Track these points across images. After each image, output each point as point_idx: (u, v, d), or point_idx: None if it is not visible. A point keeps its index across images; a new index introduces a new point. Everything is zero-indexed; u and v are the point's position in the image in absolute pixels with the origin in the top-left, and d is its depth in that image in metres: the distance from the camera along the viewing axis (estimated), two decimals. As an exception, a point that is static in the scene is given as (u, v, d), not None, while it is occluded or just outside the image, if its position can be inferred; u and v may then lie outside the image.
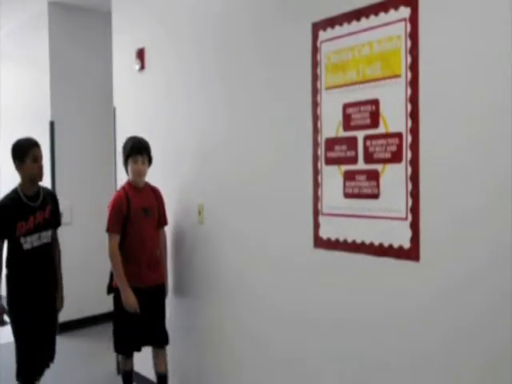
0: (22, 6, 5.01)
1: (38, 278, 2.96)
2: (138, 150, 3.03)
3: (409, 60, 1.98)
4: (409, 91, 1.98)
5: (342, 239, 2.26)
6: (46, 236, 2.99)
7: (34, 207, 2.93)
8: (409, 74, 1.98)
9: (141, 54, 3.61)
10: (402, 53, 2.00)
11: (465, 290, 1.84)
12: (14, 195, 2.90)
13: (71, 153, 5.06)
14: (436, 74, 1.90)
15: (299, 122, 2.43)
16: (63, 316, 4.93)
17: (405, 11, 1.99)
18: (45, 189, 3.10)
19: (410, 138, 1.98)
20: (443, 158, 1.88)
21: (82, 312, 5.06)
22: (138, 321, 3.00)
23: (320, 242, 2.36)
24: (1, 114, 6.15)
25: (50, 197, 3.10)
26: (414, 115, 1.97)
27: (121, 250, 2.99)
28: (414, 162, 1.97)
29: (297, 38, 2.44)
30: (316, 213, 2.37)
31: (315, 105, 2.36)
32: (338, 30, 2.25)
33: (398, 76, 2.02)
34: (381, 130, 2.09)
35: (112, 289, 3.10)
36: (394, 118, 2.04)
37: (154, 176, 3.26)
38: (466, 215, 1.83)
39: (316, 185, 2.37)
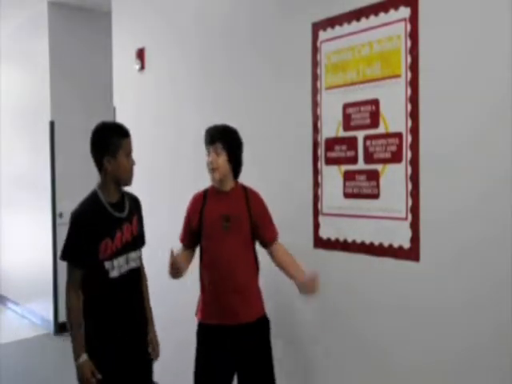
0: (22, 6, 5.00)
1: (128, 319, 2.15)
2: (207, 139, 2.25)
3: (409, 60, 1.98)
4: (409, 91, 1.98)
5: (341, 239, 2.26)
6: (134, 258, 2.16)
7: (121, 219, 2.11)
8: (409, 74, 1.98)
9: (141, 54, 3.60)
10: (402, 53, 2.00)
11: (465, 289, 1.84)
12: (94, 202, 2.08)
13: (71, 153, 5.06)
14: (436, 74, 1.90)
15: (299, 122, 2.43)
16: (63, 316, 4.94)
17: (405, 11, 1.99)
18: (127, 193, 2.24)
19: (410, 138, 1.98)
20: (443, 158, 1.88)
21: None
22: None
23: (320, 242, 2.36)
24: (1, 113, 6.16)
25: (135, 203, 2.26)
26: (414, 115, 1.97)
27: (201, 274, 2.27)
28: (414, 162, 1.97)
29: (297, 37, 2.44)
30: (316, 213, 2.37)
31: (315, 105, 2.36)
32: (338, 29, 2.25)
33: (398, 76, 2.02)
34: (381, 129, 2.09)
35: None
36: (393, 118, 2.04)
37: (158, 176, 3.26)
38: (465, 215, 1.83)
39: (316, 185, 2.37)
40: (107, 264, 2.04)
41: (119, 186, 2.14)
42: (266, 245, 2.27)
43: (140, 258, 2.24)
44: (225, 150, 2.20)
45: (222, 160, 2.19)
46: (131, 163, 2.11)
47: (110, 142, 2.05)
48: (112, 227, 2.07)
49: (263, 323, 2.23)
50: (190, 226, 2.29)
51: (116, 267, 2.06)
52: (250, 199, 2.24)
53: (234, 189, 2.25)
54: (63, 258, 2.03)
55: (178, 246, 2.35)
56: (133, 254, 2.15)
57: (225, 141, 2.21)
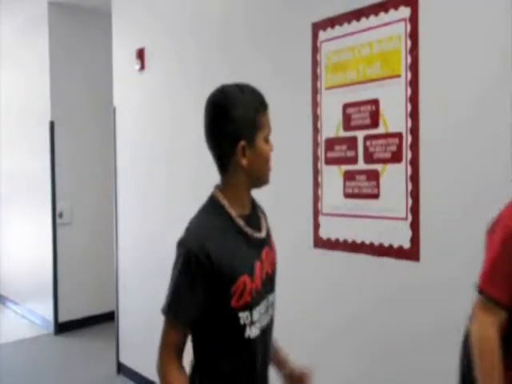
0: (22, 6, 5.00)
1: None
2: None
3: (409, 60, 1.98)
4: (409, 91, 1.98)
5: (341, 239, 2.26)
6: (273, 302, 1.42)
7: (262, 241, 1.37)
8: (409, 74, 1.98)
9: (141, 54, 3.60)
10: (402, 53, 2.00)
11: (464, 289, 1.84)
12: (220, 218, 1.31)
13: (71, 153, 5.06)
14: (436, 74, 1.90)
15: (299, 122, 2.43)
16: (63, 316, 4.95)
17: (405, 11, 1.99)
18: (254, 200, 1.49)
19: (410, 138, 1.98)
20: (443, 158, 1.88)
21: (82, 312, 5.06)
22: None
23: (320, 242, 2.36)
24: (1, 113, 6.16)
25: (263, 214, 1.54)
26: (414, 115, 1.97)
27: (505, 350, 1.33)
28: (414, 162, 1.97)
29: (297, 37, 2.44)
30: (316, 213, 2.37)
31: (315, 105, 2.36)
32: (338, 29, 2.25)
33: (398, 76, 2.02)
34: (381, 130, 2.09)
35: None
36: (393, 118, 2.04)
37: (158, 177, 3.25)
38: (465, 215, 1.83)
39: (316, 185, 2.36)
40: (243, 316, 1.27)
41: (251, 189, 1.41)
42: None
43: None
44: None
45: None
46: (270, 150, 1.37)
47: (248, 119, 1.30)
48: (251, 256, 1.31)
49: None
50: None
51: (257, 320, 1.30)
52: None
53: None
54: (165, 312, 1.30)
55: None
56: (271, 297, 1.40)
57: None
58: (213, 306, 1.25)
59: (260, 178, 1.39)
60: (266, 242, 1.39)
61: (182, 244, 1.26)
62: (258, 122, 1.32)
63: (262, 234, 1.38)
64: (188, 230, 1.29)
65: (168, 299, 1.28)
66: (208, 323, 1.28)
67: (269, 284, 1.38)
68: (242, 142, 1.29)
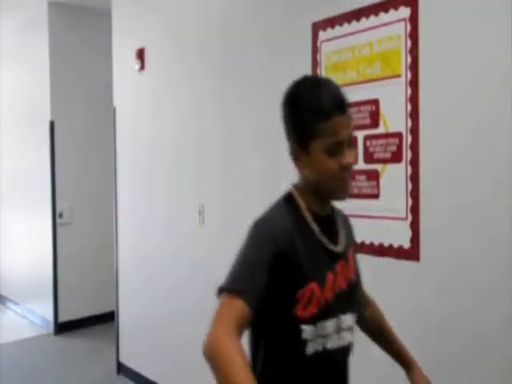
0: (22, 6, 5.00)
1: None
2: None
3: (409, 60, 1.98)
4: (409, 91, 1.98)
5: (342, 239, 2.25)
6: (349, 326, 1.23)
7: (335, 253, 1.21)
8: (409, 74, 1.98)
9: (141, 54, 3.61)
10: (402, 53, 2.00)
11: (464, 289, 1.84)
12: (291, 213, 1.19)
13: (71, 153, 5.06)
14: (436, 74, 1.90)
15: (299, 122, 2.43)
16: (63, 316, 4.95)
17: (405, 11, 1.99)
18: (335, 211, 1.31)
19: (410, 138, 1.98)
20: (443, 158, 1.88)
21: (82, 312, 5.06)
22: None
23: (320, 242, 2.35)
24: (1, 113, 6.16)
25: (346, 224, 1.38)
26: (414, 115, 1.96)
27: None
28: (414, 162, 1.97)
29: (297, 37, 2.44)
30: (316, 213, 2.37)
31: (315, 105, 2.35)
32: (338, 30, 2.25)
33: (398, 76, 2.02)
34: (381, 130, 2.09)
35: None
36: (394, 118, 2.04)
37: (158, 176, 3.24)
38: (465, 215, 1.82)
39: (316, 185, 2.36)
40: (307, 330, 1.12)
41: (324, 199, 1.22)
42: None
43: (363, 296, 1.41)
44: None
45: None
46: (336, 164, 1.13)
47: (301, 122, 1.15)
48: (323, 264, 1.18)
49: None
50: None
51: (323, 338, 1.15)
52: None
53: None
54: (228, 286, 1.12)
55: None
56: (348, 318, 1.22)
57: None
58: (275, 307, 1.11)
59: (325, 191, 1.19)
60: (343, 256, 1.23)
61: (257, 225, 1.15)
62: (313, 128, 1.11)
63: (338, 248, 1.21)
64: (262, 217, 1.18)
65: (232, 274, 1.13)
66: (267, 330, 1.15)
67: (344, 302, 1.20)
68: (295, 145, 1.17)
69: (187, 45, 3.20)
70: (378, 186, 2.11)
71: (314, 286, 1.13)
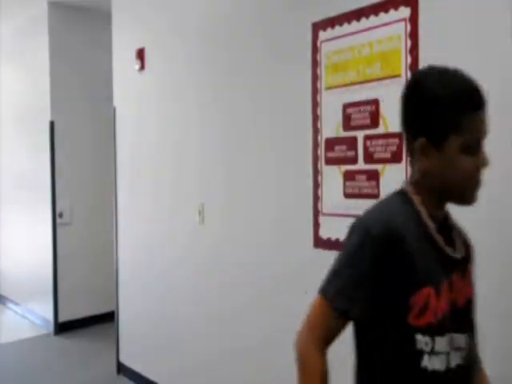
0: (22, 6, 5.00)
1: None
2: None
3: (409, 60, 1.98)
4: (409, 91, 1.98)
5: (342, 239, 2.25)
6: (460, 345, 1.08)
7: (452, 261, 1.10)
8: (409, 74, 1.98)
9: (141, 54, 3.61)
10: (402, 53, 2.00)
11: (465, 290, 1.84)
12: (403, 209, 1.09)
13: (71, 153, 5.06)
14: (436, 74, 1.90)
15: (299, 122, 2.43)
16: (63, 316, 4.95)
17: (405, 11, 1.99)
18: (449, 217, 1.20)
19: (410, 138, 1.98)
20: (443, 158, 1.88)
21: (82, 312, 5.06)
22: None
23: (320, 242, 2.36)
24: (1, 113, 6.16)
25: (464, 240, 1.21)
26: (414, 115, 1.96)
27: None
28: (414, 162, 1.97)
29: (297, 37, 2.44)
30: (316, 213, 2.37)
31: (315, 105, 2.36)
32: (338, 30, 2.25)
33: (398, 76, 2.02)
34: (381, 130, 2.09)
35: None
36: (394, 118, 2.04)
37: (157, 177, 3.24)
38: (465, 215, 1.82)
39: (316, 185, 2.36)
40: (422, 341, 1.02)
41: (442, 201, 1.12)
42: None
43: (475, 352, 1.17)
44: None
45: None
46: (474, 164, 1.06)
47: (438, 113, 1.04)
48: (439, 269, 1.06)
49: None
50: None
51: (441, 352, 1.03)
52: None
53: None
54: (322, 290, 1.10)
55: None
56: (461, 338, 1.08)
57: None
58: (384, 314, 1.02)
59: (451, 193, 1.08)
60: (460, 266, 1.10)
61: (359, 224, 1.06)
62: (453, 122, 1.01)
63: (456, 255, 1.09)
64: (369, 212, 1.08)
65: (328, 278, 1.08)
66: (376, 337, 1.05)
67: (458, 320, 1.07)
68: (422, 139, 1.04)
69: (187, 45, 3.20)
70: (377, 186, 2.11)
71: (430, 290, 1.01)
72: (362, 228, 1.05)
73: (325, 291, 1.07)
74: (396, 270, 1.00)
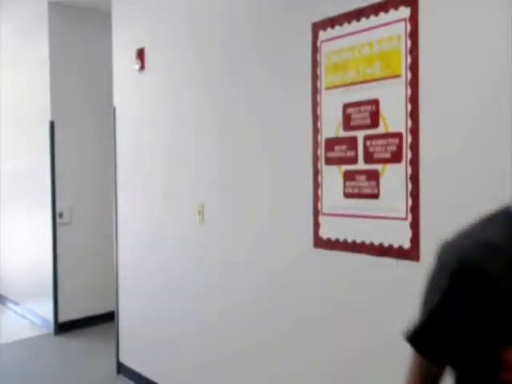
0: (22, 6, 5.00)
1: None
2: None
3: (409, 60, 1.98)
4: (409, 91, 1.98)
5: (341, 239, 2.26)
6: None
7: None
8: (409, 74, 1.98)
9: (141, 54, 3.61)
10: (402, 53, 2.00)
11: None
12: (508, 230, 0.92)
13: (71, 153, 5.06)
14: (436, 74, 1.90)
15: (299, 122, 2.43)
16: (63, 316, 4.95)
17: (405, 11, 1.99)
18: None
19: (410, 138, 1.98)
20: (443, 158, 1.88)
21: (82, 312, 5.06)
22: None
23: (320, 242, 2.36)
24: (1, 113, 6.16)
25: None
26: (414, 115, 1.97)
27: None
28: (414, 162, 1.97)
29: (297, 37, 2.44)
30: (316, 213, 2.37)
31: (315, 105, 2.36)
32: (338, 30, 2.25)
33: (398, 76, 2.02)
34: (381, 130, 2.09)
35: None
36: (393, 118, 2.04)
37: (157, 177, 3.24)
38: (465, 215, 1.82)
39: (316, 185, 2.36)
40: None
41: None
42: None
43: None
44: None
45: None
46: None
47: None
48: None
49: None
50: None
51: None
52: None
53: None
54: (408, 339, 1.02)
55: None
56: None
57: None
58: (473, 365, 0.89)
59: None
60: None
61: (451, 250, 0.91)
62: None
63: None
64: (464, 234, 0.94)
65: (416, 324, 0.99)
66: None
67: None
68: None
69: (187, 45, 3.20)
70: (377, 186, 2.11)
71: None
72: (449, 258, 0.89)
73: (410, 338, 0.99)
74: (492, 311, 0.85)
